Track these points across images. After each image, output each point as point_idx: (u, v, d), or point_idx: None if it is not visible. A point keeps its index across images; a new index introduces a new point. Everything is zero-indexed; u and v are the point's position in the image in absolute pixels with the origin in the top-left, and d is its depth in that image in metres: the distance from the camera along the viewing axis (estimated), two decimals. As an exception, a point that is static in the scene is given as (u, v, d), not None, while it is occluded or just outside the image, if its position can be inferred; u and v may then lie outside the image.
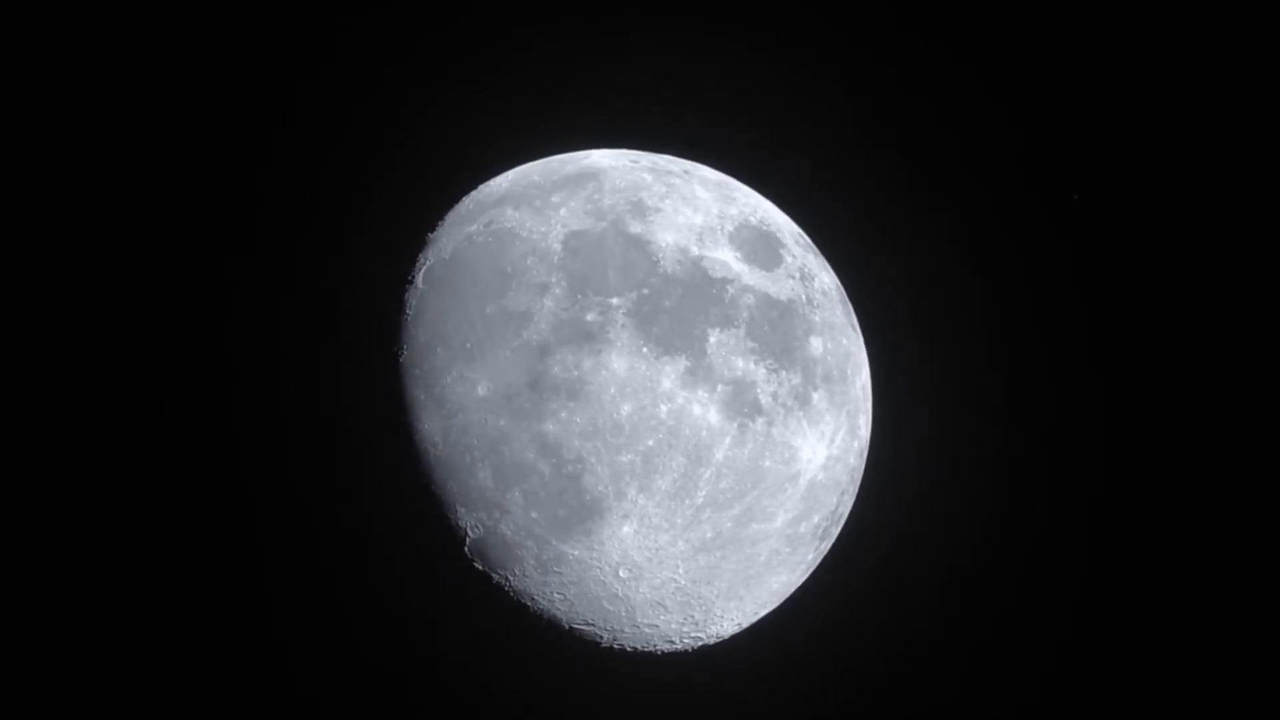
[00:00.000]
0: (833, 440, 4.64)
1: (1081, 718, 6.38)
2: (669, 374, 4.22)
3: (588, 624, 4.58)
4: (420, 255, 4.70)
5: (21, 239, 5.94)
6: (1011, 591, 6.43)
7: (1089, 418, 6.56)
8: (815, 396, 4.54)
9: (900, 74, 6.55)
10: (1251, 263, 6.45)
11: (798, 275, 4.67)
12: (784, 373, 4.43)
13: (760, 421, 4.35)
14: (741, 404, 4.31)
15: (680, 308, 4.30)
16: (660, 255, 4.39)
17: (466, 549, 4.44)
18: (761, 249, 4.64)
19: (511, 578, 4.46)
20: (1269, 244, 6.42)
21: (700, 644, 4.85)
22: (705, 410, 4.25)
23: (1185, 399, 6.51)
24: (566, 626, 4.61)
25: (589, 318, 4.24)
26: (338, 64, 6.27)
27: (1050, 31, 6.58)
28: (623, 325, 4.23)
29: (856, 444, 4.85)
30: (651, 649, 4.77)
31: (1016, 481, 6.45)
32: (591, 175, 4.70)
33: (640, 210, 4.52)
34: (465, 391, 4.28)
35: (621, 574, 4.38)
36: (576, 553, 4.33)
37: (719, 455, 4.29)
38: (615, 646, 4.71)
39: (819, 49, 6.52)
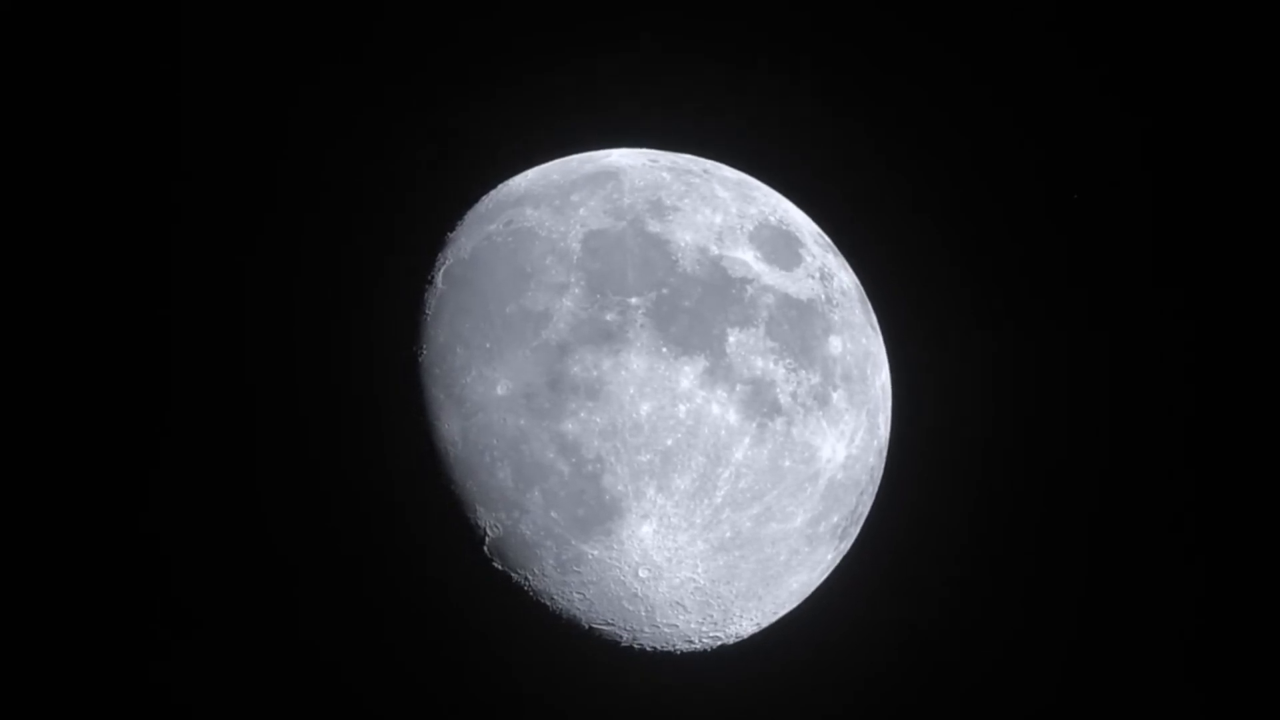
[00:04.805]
0: (852, 440, 4.63)
1: (1102, 716, 6.37)
2: (688, 373, 4.22)
3: (607, 624, 4.58)
4: (439, 255, 4.70)
5: (38, 241, 5.98)
6: (1031, 591, 6.41)
7: (1107, 417, 6.53)
8: (835, 396, 4.52)
9: (920, 75, 6.54)
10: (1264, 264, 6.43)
11: (817, 275, 4.66)
12: (803, 372, 4.42)
13: (779, 421, 4.34)
14: (761, 403, 4.30)
15: (699, 307, 4.29)
16: (679, 255, 4.38)
17: (486, 548, 4.45)
18: (781, 248, 4.62)
19: (531, 577, 4.46)
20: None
21: (719, 644, 4.85)
22: (724, 410, 4.25)
23: (1201, 398, 6.48)
24: (586, 626, 4.61)
25: (608, 317, 4.23)
26: (357, 63, 6.29)
27: (1064, 36, 6.56)
28: (642, 325, 4.22)
29: (876, 443, 4.84)
30: (670, 649, 4.77)
31: (1035, 481, 6.43)
32: (610, 174, 4.70)
33: (659, 209, 4.52)
34: (485, 391, 4.28)
35: (641, 574, 4.38)
36: (596, 552, 4.33)
37: (738, 455, 4.28)
38: (634, 646, 4.71)
39: (838, 49, 6.51)
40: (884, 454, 4.98)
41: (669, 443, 4.21)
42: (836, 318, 4.63)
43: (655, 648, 4.74)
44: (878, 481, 4.98)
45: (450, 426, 4.37)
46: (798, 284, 4.55)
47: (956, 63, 6.57)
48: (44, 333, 5.89)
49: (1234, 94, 6.44)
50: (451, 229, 4.82)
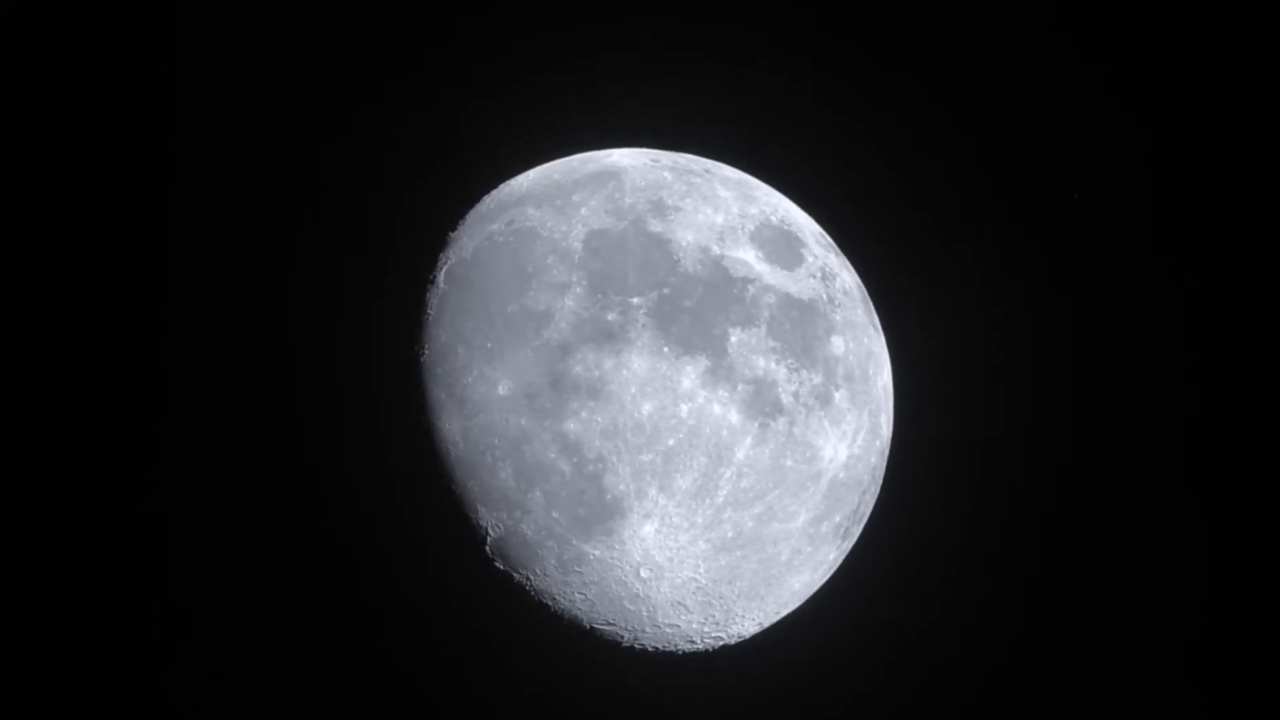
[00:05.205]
0: (854, 439, 4.62)
1: (1102, 716, 6.37)
2: (690, 373, 4.22)
3: (609, 624, 4.58)
4: (441, 254, 4.70)
5: (38, 241, 5.97)
6: (1031, 591, 6.41)
7: (1107, 416, 6.54)
8: (837, 396, 4.52)
9: (919, 75, 6.54)
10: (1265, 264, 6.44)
11: (819, 274, 4.66)
12: (805, 372, 4.42)
13: (781, 421, 4.34)
14: (762, 403, 4.30)
15: (701, 307, 4.29)
16: (681, 254, 4.38)
17: (488, 549, 4.45)
18: (782, 248, 4.62)
19: (532, 577, 4.46)
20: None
21: (721, 644, 4.84)
22: (726, 410, 4.24)
23: (1201, 398, 6.48)
24: (587, 626, 4.61)
25: (610, 317, 4.23)
26: (357, 63, 6.29)
27: (1064, 36, 6.56)
28: (643, 325, 4.22)
29: (878, 443, 4.83)
30: (672, 649, 4.76)
31: (1037, 481, 6.43)
32: (612, 174, 4.69)
33: (661, 209, 4.51)
34: (486, 391, 4.28)
35: (642, 574, 4.37)
36: (597, 552, 4.33)
37: (740, 454, 4.28)
38: (636, 646, 4.71)
39: (839, 49, 6.51)
40: (886, 454, 4.98)
41: (671, 442, 4.21)
42: (838, 317, 4.63)
43: (657, 648, 4.74)
44: (880, 481, 4.98)
45: (452, 426, 4.37)
46: (799, 284, 4.55)
47: (956, 63, 6.57)
48: (44, 333, 5.88)
49: (1234, 94, 6.45)
50: (453, 229, 4.82)
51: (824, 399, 4.47)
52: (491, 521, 4.38)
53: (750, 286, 4.40)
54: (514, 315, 4.31)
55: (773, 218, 4.72)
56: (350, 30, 6.32)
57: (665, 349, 4.21)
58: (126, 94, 6.13)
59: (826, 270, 4.71)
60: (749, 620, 4.77)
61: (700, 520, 4.30)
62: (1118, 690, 6.37)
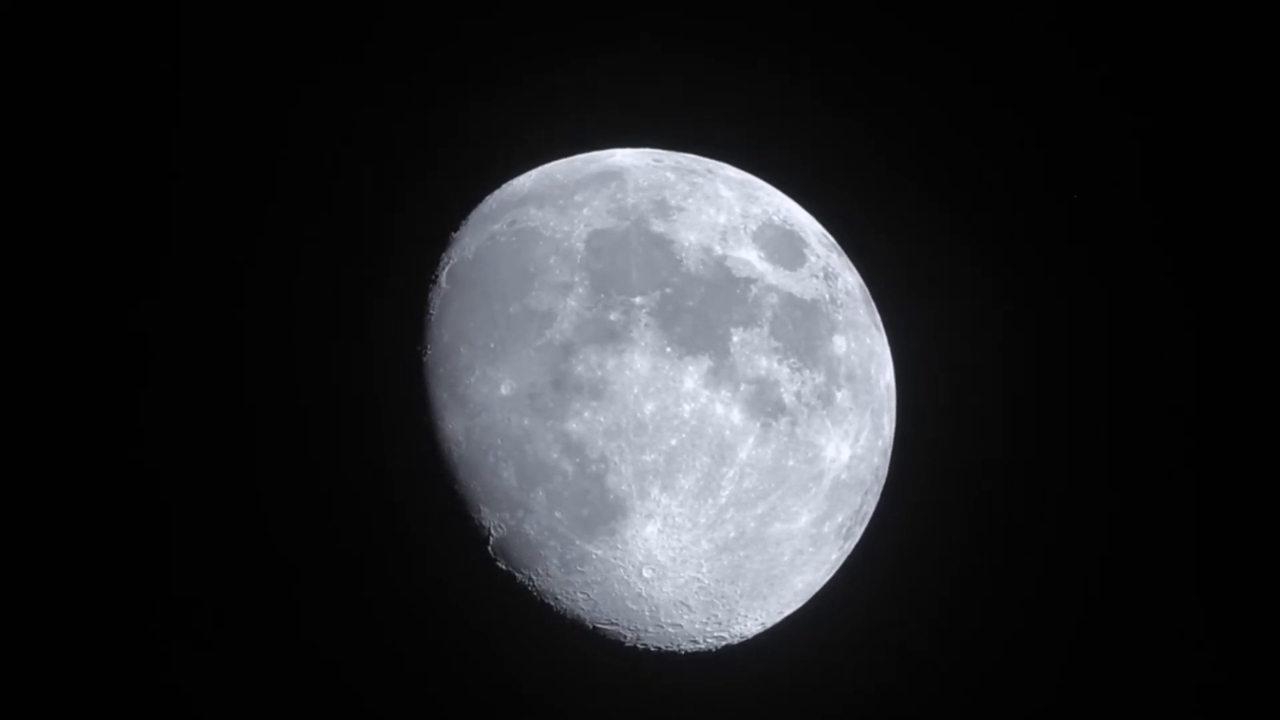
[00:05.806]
0: (856, 440, 4.63)
1: (1102, 716, 6.38)
2: (692, 373, 4.21)
3: (611, 624, 4.58)
4: (443, 254, 4.70)
5: (38, 241, 5.96)
6: (1034, 591, 6.41)
7: (1110, 416, 6.54)
8: (839, 396, 4.52)
9: (920, 75, 6.54)
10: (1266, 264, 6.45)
11: (821, 275, 4.66)
12: (807, 372, 4.42)
13: (784, 421, 4.34)
14: (765, 403, 4.30)
15: (703, 307, 4.29)
16: (683, 254, 4.38)
17: (490, 549, 4.44)
18: (785, 248, 4.62)
19: (535, 577, 4.46)
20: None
21: (724, 644, 4.84)
22: (728, 410, 4.24)
23: (1202, 399, 6.49)
24: (590, 626, 4.61)
25: (612, 317, 4.23)
26: (357, 63, 6.28)
27: (1064, 36, 6.57)
28: (646, 325, 4.22)
29: (880, 443, 4.84)
30: (675, 649, 4.76)
31: (1039, 481, 6.44)
32: (615, 174, 4.69)
33: (663, 209, 4.51)
34: (489, 391, 4.28)
35: (645, 573, 4.37)
36: (600, 552, 4.32)
37: (742, 454, 4.28)
38: (639, 646, 4.71)
39: (842, 49, 6.51)
40: (888, 454, 4.98)
41: (673, 442, 4.21)
42: (840, 317, 4.63)
43: (659, 648, 4.74)
44: (882, 481, 4.98)
45: (454, 426, 4.36)
46: (802, 284, 4.55)
47: (956, 63, 6.58)
48: (44, 333, 5.87)
49: (1234, 94, 6.46)
50: (455, 229, 4.81)
51: (826, 399, 4.47)
52: (494, 521, 4.38)
53: (753, 286, 4.40)
54: (516, 315, 4.30)
55: (775, 218, 4.72)
56: (350, 30, 6.32)
57: (668, 349, 4.21)
58: (126, 94, 6.12)
59: (829, 270, 4.71)
60: (751, 620, 4.77)
61: (703, 520, 4.30)
62: (1118, 690, 6.37)
